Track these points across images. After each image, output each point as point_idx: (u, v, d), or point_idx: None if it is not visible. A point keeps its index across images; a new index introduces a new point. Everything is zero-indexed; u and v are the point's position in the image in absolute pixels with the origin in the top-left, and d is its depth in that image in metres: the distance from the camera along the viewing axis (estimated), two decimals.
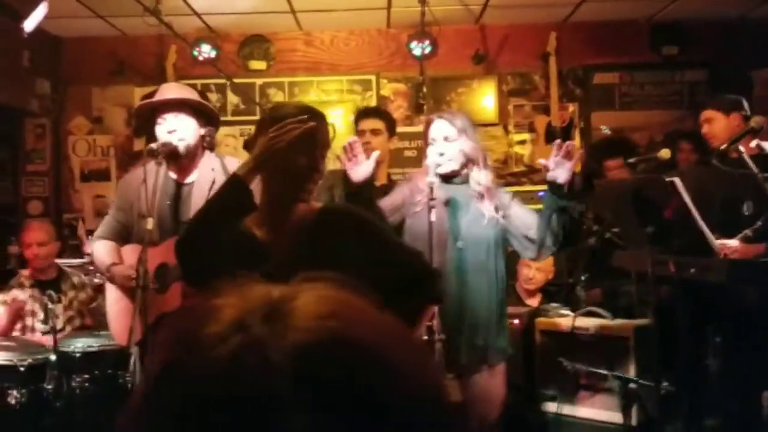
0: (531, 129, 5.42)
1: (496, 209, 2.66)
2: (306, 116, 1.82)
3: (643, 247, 2.70)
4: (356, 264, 1.63)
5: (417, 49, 5.16)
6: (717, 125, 3.34)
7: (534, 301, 4.15)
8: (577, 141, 5.33)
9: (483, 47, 5.39)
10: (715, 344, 3.45)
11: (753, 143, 3.03)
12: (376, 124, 3.51)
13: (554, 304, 3.64)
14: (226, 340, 0.48)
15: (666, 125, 5.25)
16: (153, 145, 2.59)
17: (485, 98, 5.48)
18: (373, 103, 5.42)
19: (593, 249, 3.95)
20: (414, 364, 0.50)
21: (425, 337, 2.42)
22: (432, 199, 2.56)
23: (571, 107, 5.40)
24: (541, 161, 2.60)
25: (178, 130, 2.66)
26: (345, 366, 0.46)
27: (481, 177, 2.68)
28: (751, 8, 5.02)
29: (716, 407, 3.33)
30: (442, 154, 2.64)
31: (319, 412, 0.45)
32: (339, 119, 5.26)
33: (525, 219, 2.68)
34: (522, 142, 5.46)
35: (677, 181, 2.49)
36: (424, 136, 2.77)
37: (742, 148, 2.72)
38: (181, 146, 2.65)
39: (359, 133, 3.56)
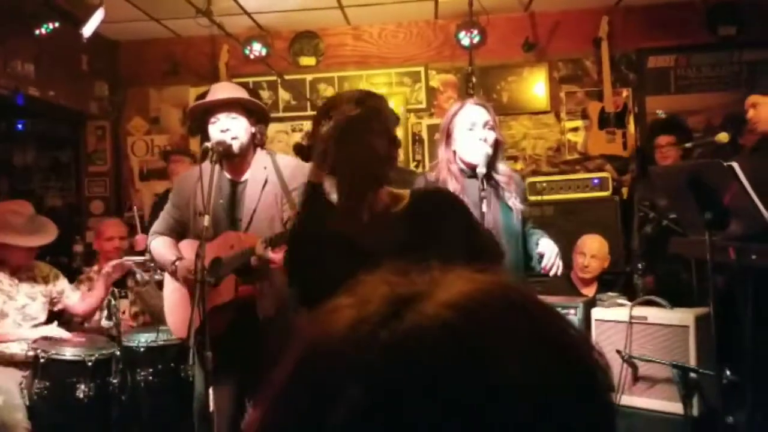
0: (584, 116, 5.33)
1: (517, 197, 2.66)
2: (361, 101, 1.78)
3: (701, 233, 2.64)
4: (455, 245, 1.65)
5: (465, 39, 5.15)
6: (763, 110, 3.25)
7: (590, 291, 4.09)
8: (631, 126, 5.22)
9: (533, 35, 5.32)
10: None
11: None
12: None
13: (611, 293, 3.58)
14: (383, 326, 0.45)
15: (724, 108, 5.07)
16: (207, 144, 2.65)
17: (536, 86, 5.42)
18: (422, 94, 5.43)
19: (649, 236, 3.87)
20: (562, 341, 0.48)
21: None
22: (484, 189, 2.55)
23: (625, 92, 5.29)
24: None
25: (231, 129, 2.71)
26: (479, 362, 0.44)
27: (503, 168, 2.68)
28: None
29: None
30: (485, 140, 2.62)
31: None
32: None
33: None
34: (575, 129, 5.37)
35: (736, 165, 2.42)
36: (449, 122, 2.70)
37: None
38: (235, 145, 2.71)
39: None
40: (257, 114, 2.82)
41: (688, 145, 3.67)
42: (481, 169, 2.56)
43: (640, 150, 5.12)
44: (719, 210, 2.58)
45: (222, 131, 2.70)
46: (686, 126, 4.87)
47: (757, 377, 3.20)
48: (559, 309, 2.78)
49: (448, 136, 2.71)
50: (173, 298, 2.85)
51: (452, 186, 2.69)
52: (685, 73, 5.24)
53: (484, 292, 0.48)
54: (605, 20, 5.11)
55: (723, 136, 3.43)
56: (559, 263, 2.59)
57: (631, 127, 5.21)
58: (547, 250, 2.58)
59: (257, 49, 5.07)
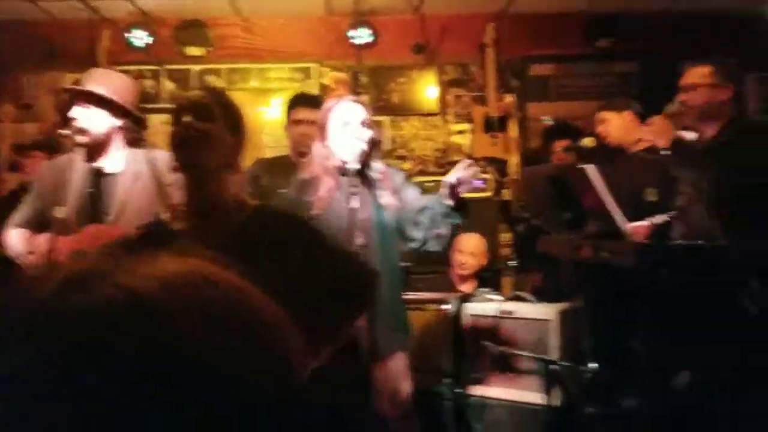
0: (469, 119, 5.48)
1: (392, 193, 2.69)
2: (192, 113, 1.75)
3: (562, 232, 2.78)
4: (287, 268, 1.60)
5: (357, 37, 5.18)
6: (611, 124, 3.54)
7: (468, 287, 4.21)
8: (513, 131, 5.41)
9: (423, 37, 5.43)
10: (640, 326, 3.57)
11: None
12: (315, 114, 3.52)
13: (484, 289, 3.71)
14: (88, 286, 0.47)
15: None
16: (65, 132, 2.55)
17: (426, 88, 5.53)
18: (314, 91, 5.41)
19: (522, 235, 4.03)
20: (261, 342, 0.50)
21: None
22: (357, 185, 2.57)
23: (509, 98, 5.48)
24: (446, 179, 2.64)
25: (80, 120, 2.62)
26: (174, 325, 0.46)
27: (378, 165, 2.71)
28: (681, 2, 5.16)
29: (638, 388, 3.45)
30: (360, 138, 2.64)
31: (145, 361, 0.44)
32: (280, 108, 5.23)
33: (416, 203, 2.73)
34: (461, 132, 5.52)
35: (589, 168, 2.56)
36: (325, 118, 2.70)
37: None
38: (83, 137, 2.61)
39: (294, 122, 3.55)
40: (124, 109, 2.72)
41: (559, 148, 3.86)
42: (353, 166, 2.58)
43: (523, 153, 5.32)
44: (577, 210, 2.72)
45: (74, 122, 2.60)
46: (579, 130, 5.12)
47: (614, 369, 3.40)
48: (434, 304, 2.87)
49: (323, 131, 2.71)
50: None
51: (327, 182, 2.70)
52: (564, 81, 5.50)
53: (182, 273, 0.50)
54: (491, 27, 5.28)
55: (589, 141, 3.64)
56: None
57: (513, 131, 5.41)
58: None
59: (140, 36, 4.90)
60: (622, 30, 5.38)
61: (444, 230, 2.69)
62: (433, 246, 2.74)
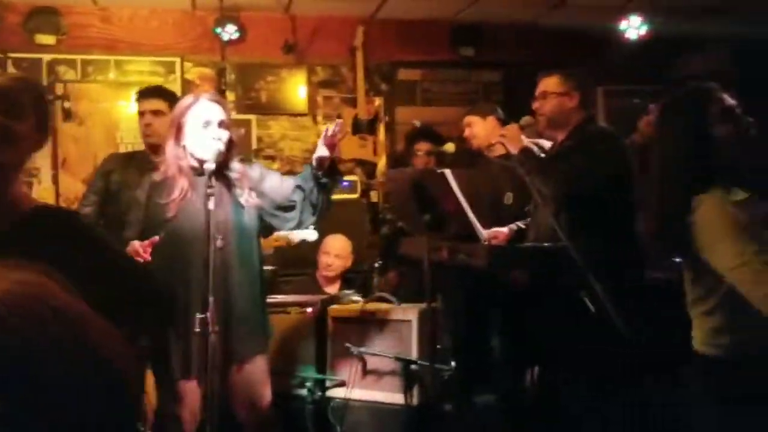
0: None
1: (251, 192, 2.64)
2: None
3: (423, 234, 2.83)
4: (61, 269, 1.46)
5: (223, 33, 5.05)
6: (476, 128, 3.69)
7: (333, 289, 4.21)
8: (381, 134, 5.49)
9: (292, 37, 5.37)
10: (495, 325, 3.72)
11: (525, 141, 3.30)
12: (159, 104, 3.39)
13: (347, 291, 3.72)
14: None
15: None
16: None
17: (295, 88, 5.48)
18: (177, 86, 5.22)
19: (386, 237, 4.08)
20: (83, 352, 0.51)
21: (198, 330, 2.37)
22: (212, 186, 2.49)
23: (378, 101, 5.55)
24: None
25: None
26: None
27: (235, 165, 2.66)
28: (539, 15, 5.44)
29: (493, 385, 3.59)
30: (219, 139, 2.57)
31: None
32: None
33: (281, 188, 2.70)
34: None
35: (448, 172, 2.63)
36: (182, 116, 2.60)
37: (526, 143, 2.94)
38: None
39: (139, 114, 3.42)
40: None
41: (420, 152, 3.95)
42: (210, 165, 2.50)
43: (390, 154, 5.40)
44: (436, 212, 2.78)
45: None
46: (440, 134, 5.24)
47: (470, 368, 3.51)
48: (298, 307, 2.83)
49: (179, 130, 2.61)
50: None
51: (181, 183, 2.60)
52: (431, 87, 5.64)
53: (19, 294, 0.50)
54: (361, 30, 5.32)
55: (450, 146, 3.75)
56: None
57: (381, 134, 5.48)
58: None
59: None
60: (486, 40, 5.59)
61: (319, 200, 2.68)
62: (309, 219, 2.72)
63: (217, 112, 2.60)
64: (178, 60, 5.24)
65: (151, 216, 2.59)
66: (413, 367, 3.14)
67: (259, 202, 2.68)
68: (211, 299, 2.33)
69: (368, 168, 5.39)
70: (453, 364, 3.39)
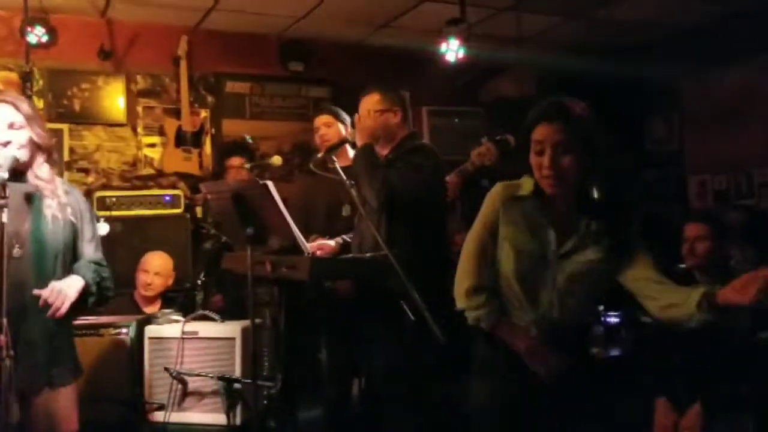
0: (161, 132, 5.26)
1: (66, 207, 2.44)
2: None
3: (245, 248, 2.76)
4: None
5: (31, 35, 4.67)
6: (333, 130, 3.65)
7: (153, 309, 4.01)
8: (207, 147, 5.34)
9: (109, 43, 5.10)
10: (320, 338, 3.71)
11: (352, 153, 3.35)
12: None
13: (166, 310, 3.54)
14: None
15: (294, 136, 5.55)
16: None
17: (112, 97, 5.18)
18: None
19: (210, 252, 3.96)
20: None
21: None
22: (5, 197, 2.26)
23: (203, 113, 5.40)
24: None
25: None
26: None
27: (43, 171, 2.43)
28: (366, 35, 5.58)
29: (318, 399, 3.58)
30: (8, 143, 2.35)
31: None
32: None
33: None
34: (152, 145, 5.27)
35: (270, 183, 2.60)
36: None
37: (335, 158, 2.95)
38: None
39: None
40: None
41: (247, 165, 3.88)
42: (3, 174, 2.27)
43: (215, 171, 5.26)
44: (259, 225, 2.73)
45: None
46: (252, 148, 5.18)
47: (296, 381, 3.49)
48: (112, 328, 2.62)
49: None
50: None
51: None
52: (259, 100, 5.58)
53: None
54: (184, 40, 5.16)
55: (276, 160, 3.72)
56: (57, 307, 2.30)
57: (207, 147, 5.33)
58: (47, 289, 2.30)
59: None
60: (315, 56, 5.64)
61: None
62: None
63: (6, 114, 2.35)
64: None
65: None
66: (236, 385, 3.05)
67: (71, 219, 2.46)
68: (4, 321, 2.11)
69: (192, 182, 5.20)
70: (275, 380, 3.34)
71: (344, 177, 2.80)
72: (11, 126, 2.35)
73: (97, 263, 2.48)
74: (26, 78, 4.63)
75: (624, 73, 5.47)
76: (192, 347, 3.21)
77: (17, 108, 2.37)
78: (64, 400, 2.42)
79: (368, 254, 2.63)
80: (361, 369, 3.34)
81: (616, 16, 5.24)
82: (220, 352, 3.20)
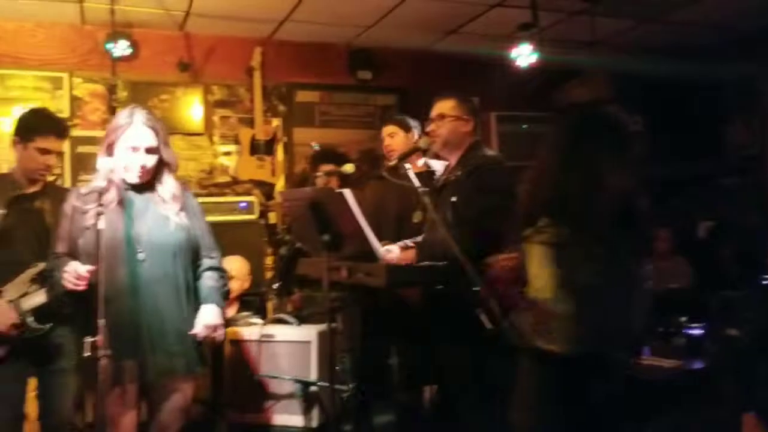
0: (236, 141, 5.43)
1: (182, 213, 2.65)
2: None
3: (321, 254, 2.83)
4: None
5: (114, 49, 4.89)
6: (398, 139, 3.71)
7: (231, 311, 4.13)
8: (279, 154, 5.47)
9: (188, 55, 5.28)
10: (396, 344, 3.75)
11: (420, 161, 3.38)
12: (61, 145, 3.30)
13: (245, 313, 3.66)
14: None
15: (361, 144, 5.63)
16: None
17: (191, 107, 5.37)
18: (65, 103, 5.00)
19: (285, 258, 4.06)
20: None
21: (88, 354, 2.27)
22: (102, 204, 2.42)
23: (275, 122, 5.53)
24: None
25: None
26: None
27: (165, 183, 2.68)
28: (434, 42, 5.62)
29: (391, 404, 3.62)
30: (144, 165, 2.60)
31: None
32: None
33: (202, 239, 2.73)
34: (227, 154, 5.44)
35: (347, 192, 2.66)
36: (114, 135, 2.64)
37: (408, 165, 3.00)
38: None
39: (39, 150, 3.17)
40: None
41: (319, 174, 3.97)
42: (100, 183, 2.46)
43: (289, 175, 5.39)
44: (335, 232, 2.80)
45: None
46: (344, 155, 5.27)
47: (369, 387, 3.53)
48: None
49: (110, 149, 2.64)
50: None
51: (109, 195, 2.57)
52: (329, 109, 5.69)
53: None
54: (258, 51, 5.30)
55: (349, 167, 3.79)
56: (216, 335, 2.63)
57: (280, 155, 5.46)
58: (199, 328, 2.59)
59: None
60: (382, 64, 5.71)
61: None
62: None
63: (147, 138, 2.62)
64: (65, 75, 5.02)
65: (75, 226, 2.57)
66: (312, 388, 3.13)
67: (189, 225, 2.68)
68: (101, 322, 2.24)
69: (266, 189, 5.35)
70: (350, 384, 3.40)
71: (417, 183, 2.83)
72: (149, 150, 2.62)
73: (216, 270, 2.73)
74: (112, 90, 4.84)
75: (701, 77, 5.33)
76: (270, 350, 3.32)
77: (157, 134, 2.66)
78: (184, 391, 2.62)
79: (442, 263, 2.65)
80: (432, 376, 3.36)
81: (691, 18, 5.11)
82: (296, 356, 3.29)
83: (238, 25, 5.15)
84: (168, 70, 5.24)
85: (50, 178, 3.36)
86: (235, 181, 5.39)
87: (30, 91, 4.94)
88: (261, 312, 3.85)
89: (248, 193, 5.29)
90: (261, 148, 5.38)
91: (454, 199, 2.84)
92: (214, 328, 2.60)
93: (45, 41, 4.99)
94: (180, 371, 2.58)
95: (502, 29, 4.92)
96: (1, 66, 4.86)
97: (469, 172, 2.94)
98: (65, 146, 3.30)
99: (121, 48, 4.88)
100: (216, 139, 5.41)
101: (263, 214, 5.12)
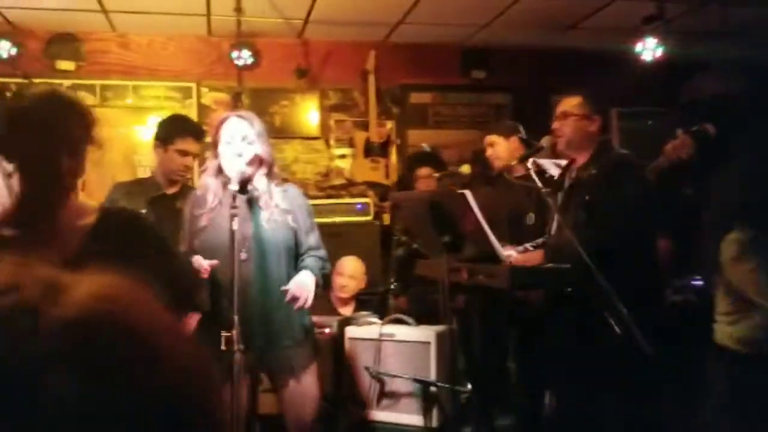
0: (351, 144, 5.54)
1: (287, 212, 2.67)
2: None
3: (440, 255, 2.84)
4: (135, 265, 1.55)
5: (238, 59, 5.12)
6: (499, 147, 3.70)
7: (348, 310, 4.23)
8: (393, 156, 5.54)
9: (305, 62, 5.45)
10: (513, 347, 3.71)
11: (529, 162, 3.33)
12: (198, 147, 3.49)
13: (364, 312, 3.73)
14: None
15: (474, 144, 5.57)
16: None
17: (308, 112, 5.54)
18: (193, 111, 5.29)
19: (401, 259, 4.10)
20: (181, 360, 0.51)
21: (224, 348, 2.39)
22: (236, 206, 2.52)
23: (389, 124, 5.60)
24: None
25: None
26: (111, 347, 0.47)
27: (262, 183, 2.68)
28: (551, 39, 5.50)
29: (511, 407, 3.58)
30: (240, 155, 2.61)
31: (83, 385, 0.44)
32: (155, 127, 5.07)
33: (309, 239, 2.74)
34: (342, 156, 5.57)
35: (468, 193, 2.65)
36: (215, 133, 2.69)
37: (530, 165, 2.96)
38: None
39: (178, 152, 3.39)
40: None
41: (436, 174, 3.98)
42: (233, 186, 2.54)
43: (401, 179, 5.44)
44: (455, 234, 2.80)
45: None
46: (441, 158, 5.28)
47: (488, 389, 3.51)
48: (316, 327, 2.83)
49: (215, 146, 2.71)
50: None
51: (210, 198, 2.66)
52: (441, 110, 5.70)
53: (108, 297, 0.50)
54: (372, 54, 5.39)
55: (465, 168, 3.78)
56: (304, 299, 2.57)
57: (393, 157, 5.53)
58: (291, 285, 2.58)
59: (5, 47, 4.62)
60: (496, 63, 5.66)
61: None
62: None
63: (241, 128, 2.64)
64: (194, 85, 5.32)
65: (191, 227, 2.67)
66: (432, 389, 3.14)
67: (291, 223, 2.70)
68: (235, 318, 2.35)
69: (380, 190, 5.43)
70: (469, 386, 3.39)
71: (540, 185, 2.79)
72: (244, 139, 2.63)
73: (318, 254, 2.73)
74: (237, 98, 5.08)
75: None
76: (389, 349, 3.36)
77: (251, 124, 2.66)
78: (309, 383, 2.68)
79: (567, 266, 2.59)
80: (552, 381, 3.29)
81: None
82: (415, 356, 3.32)
83: (353, 29, 5.26)
84: (286, 76, 5.43)
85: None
86: (351, 183, 5.51)
87: (162, 101, 5.26)
88: (378, 312, 3.91)
89: (363, 195, 5.40)
90: (375, 151, 5.47)
91: (587, 198, 2.77)
92: (304, 290, 2.55)
93: (175, 53, 5.30)
94: (296, 364, 2.65)
95: (626, 22, 4.74)
96: (137, 77, 5.21)
97: (604, 170, 2.85)
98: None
99: (244, 57, 5.10)
100: (332, 142, 5.56)
101: (377, 215, 5.20)
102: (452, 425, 3.12)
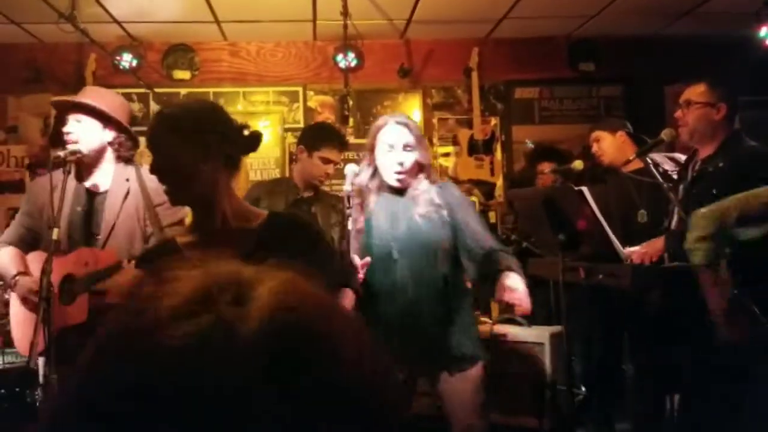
0: (455, 142, 5.52)
1: (441, 208, 2.60)
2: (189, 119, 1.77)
3: (555, 254, 2.78)
4: (298, 263, 1.61)
5: (343, 61, 5.20)
6: (605, 143, 3.57)
7: None
8: (498, 153, 5.46)
9: (408, 61, 5.47)
10: (630, 349, 3.58)
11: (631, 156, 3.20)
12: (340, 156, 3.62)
13: (475, 312, 3.70)
14: (191, 317, 0.42)
15: (583, 138, 5.40)
16: (60, 153, 2.52)
17: (411, 111, 5.55)
18: (300, 114, 5.42)
19: None
20: (363, 356, 0.49)
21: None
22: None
23: (493, 121, 5.53)
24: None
25: (73, 132, 2.61)
26: (305, 355, 0.45)
27: (421, 183, 2.63)
28: (663, 26, 5.27)
29: (630, 411, 3.45)
30: (401, 164, 2.58)
31: (283, 400, 0.42)
32: (266, 130, 5.24)
33: (482, 241, 2.63)
34: (446, 155, 5.55)
35: (585, 190, 2.58)
36: (373, 138, 2.67)
37: (650, 160, 2.85)
38: (78, 149, 2.59)
39: (322, 159, 3.49)
40: (117, 122, 2.71)
41: (547, 170, 3.89)
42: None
43: (506, 174, 5.37)
44: (571, 232, 2.73)
45: (66, 134, 2.59)
46: (563, 153, 5.15)
47: (605, 392, 3.40)
48: None
49: (371, 151, 2.70)
50: (19, 315, 2.66)
51: (370, 199, 2.67)
52: (548, 104, 5.56)
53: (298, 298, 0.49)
54: (475, 51, 5.34)
55: (578, 164, 3.68)
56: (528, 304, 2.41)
57: (498, 154, 5.46)
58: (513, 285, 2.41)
59: (127, 59, 4.90)
60: (604, 54, 5.47)
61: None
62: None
63: (401, 135, 2.60)
64: (300, 89, 5.45)
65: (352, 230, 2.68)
66: (546, 390, 3.09)
67: (450, 220, 2.62)
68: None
69: (486, 188, 5.37)
70: (583, 388, 3.30)
71: (661, 180, 2.68)
72: (406, 147, 2.59)
73: (502, 251, 2.61)
74: (344, 99, 5.16)
75: None
76: (502, 349, 3.32)
77: (410, 130, 2.62)
78: (469, 384, 2.56)
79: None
80: (676, 385, 3.15)
81: None
82: (529, 356, 3.27)
83: (455, 27, 5.23)
84: (389, 77, 5.46)
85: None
86: (455, 182, 5.47)
87: (271, 105, 5.43)
88: (487, 310, 3.88)
89: (468, 193, 5.35)
90: (479, 148, 5.41)
91: (714, 192, 2.63)
92: (515, 291, 2.36)
93: (283, 59, 5.45)
94: (454, 364, 2.56)
95: (746, 7, 4.47)
96: (248, 84, 5.40)
97: (735, 163, 2.70)
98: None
99: (349, 59, 5.18)
100: (435, 140, 5.54)
101: (483, 214, 5.14)
102: (568, 427, 3.05)
